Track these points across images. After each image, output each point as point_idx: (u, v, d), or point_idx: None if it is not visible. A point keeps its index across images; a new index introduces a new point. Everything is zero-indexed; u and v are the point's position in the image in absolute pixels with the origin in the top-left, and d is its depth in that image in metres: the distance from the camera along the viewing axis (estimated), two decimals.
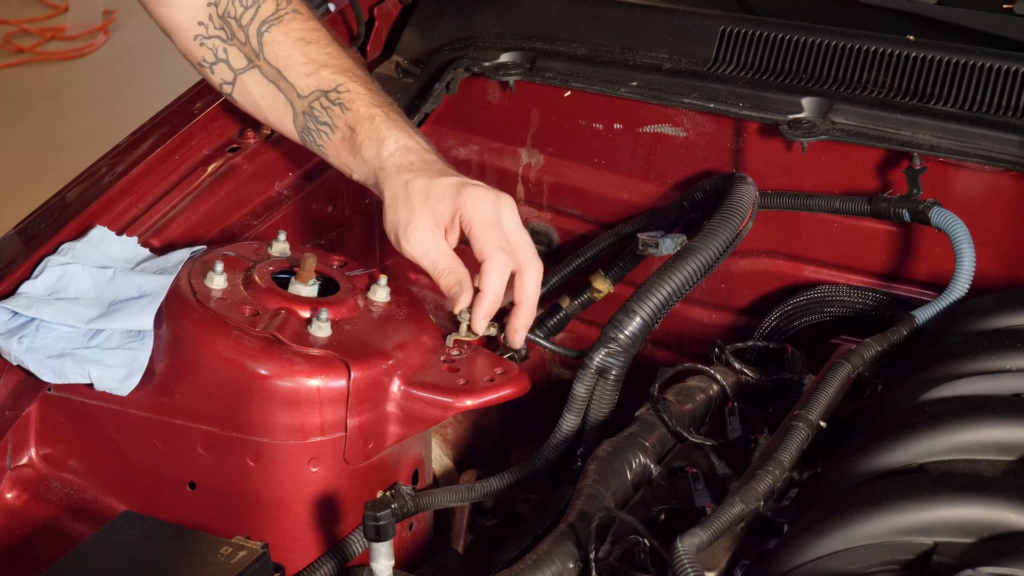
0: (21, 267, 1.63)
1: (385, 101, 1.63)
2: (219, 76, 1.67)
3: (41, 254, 1.64)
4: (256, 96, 1.66)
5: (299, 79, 1.63)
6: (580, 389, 1.51)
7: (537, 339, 1.65)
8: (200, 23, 1.64)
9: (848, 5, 1.88)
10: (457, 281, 1.52)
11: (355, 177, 1.62)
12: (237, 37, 1.63)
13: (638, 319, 1.50)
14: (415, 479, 1.58)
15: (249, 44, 1.63)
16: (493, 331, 1.55)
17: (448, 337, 1.55)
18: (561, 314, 1.82)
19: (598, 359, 1.50)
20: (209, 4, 1.64)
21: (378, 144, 1.57)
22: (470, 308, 1.52)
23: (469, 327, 1.53)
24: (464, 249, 1.54)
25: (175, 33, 1.67)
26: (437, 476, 1.73)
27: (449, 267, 1.52)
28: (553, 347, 1.70)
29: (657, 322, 1.52)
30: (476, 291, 1.52)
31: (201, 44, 1.65)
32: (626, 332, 1.50)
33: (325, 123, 1.61)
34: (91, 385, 1.52)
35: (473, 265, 1.53)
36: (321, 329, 1.48)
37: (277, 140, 1.87)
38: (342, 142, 1.61)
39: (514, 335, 1.55)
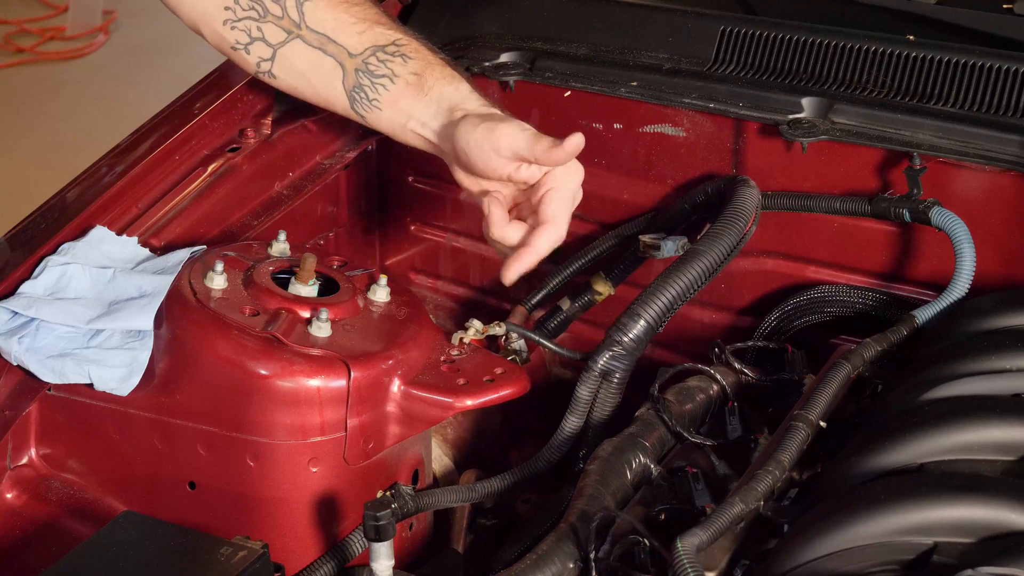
0: (21, 267, 1.62)
1: (444, 55, 1.65)
2: (255, 55, 1.66)
3: (41, 254, 1.63)
4: (299, 65, 1.65)
5: (350, 38, 1.62)
6: (583, 392, 1.50)
7: (540, 340, 1.64)
8: (227, 8, 1.63)
9: (848, 5, 1.88)
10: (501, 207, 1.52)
11: (410, 125, 1.61)
12: (272, 12, 1.63)
13: (642, 322, 1.50)
14: (415, 479, 1.58)
15: (287, 16, 1.62)
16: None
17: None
18: (562, 316, 1.81)
19: (602, 362, 1.49)
20: None
21: (456, 82, 1.59)
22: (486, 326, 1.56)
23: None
24: None
25: (203, 23, 1.66)
26: (437, 476, 1.73)
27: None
28: (556, 348, 1.69)
29: (662, 325, 1.51)
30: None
31: (232, 28, 1.64)
32: (630, 335, 1.49)
33: (384, 75, 1.61)
34: (91, 385, 1.52)
35: None
36: (321, 329, 1.48)
37: (277, 140, 1.87)
38: (406, 88, 1.60)
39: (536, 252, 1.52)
